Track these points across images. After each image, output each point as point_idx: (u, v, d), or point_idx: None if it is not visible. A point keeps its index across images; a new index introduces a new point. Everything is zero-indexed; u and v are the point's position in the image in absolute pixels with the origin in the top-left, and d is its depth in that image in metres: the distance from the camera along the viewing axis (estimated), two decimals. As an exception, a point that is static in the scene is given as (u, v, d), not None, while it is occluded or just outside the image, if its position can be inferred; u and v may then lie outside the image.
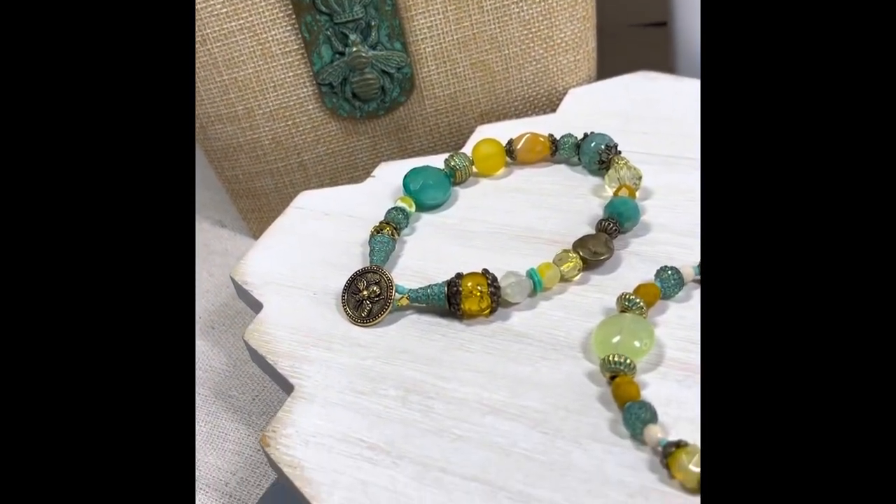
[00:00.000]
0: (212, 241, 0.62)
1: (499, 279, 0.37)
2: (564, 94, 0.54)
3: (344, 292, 0.39)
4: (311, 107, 0.52)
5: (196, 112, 0.53)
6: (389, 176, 0.49)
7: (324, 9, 0.47)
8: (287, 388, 0.37)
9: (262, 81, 0.50)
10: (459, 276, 0.37)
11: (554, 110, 0.54)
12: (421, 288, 0.38)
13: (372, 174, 0.49)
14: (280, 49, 0.49)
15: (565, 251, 0.38)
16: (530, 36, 0.51)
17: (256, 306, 0.41)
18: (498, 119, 0.54)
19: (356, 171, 0.56)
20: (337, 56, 0.49)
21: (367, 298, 0.38)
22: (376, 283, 0.38)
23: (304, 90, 0.51)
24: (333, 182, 0.56)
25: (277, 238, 0.45)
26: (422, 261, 0.42)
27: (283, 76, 0.50)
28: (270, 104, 0.51)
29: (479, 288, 0.36)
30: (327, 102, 0.51)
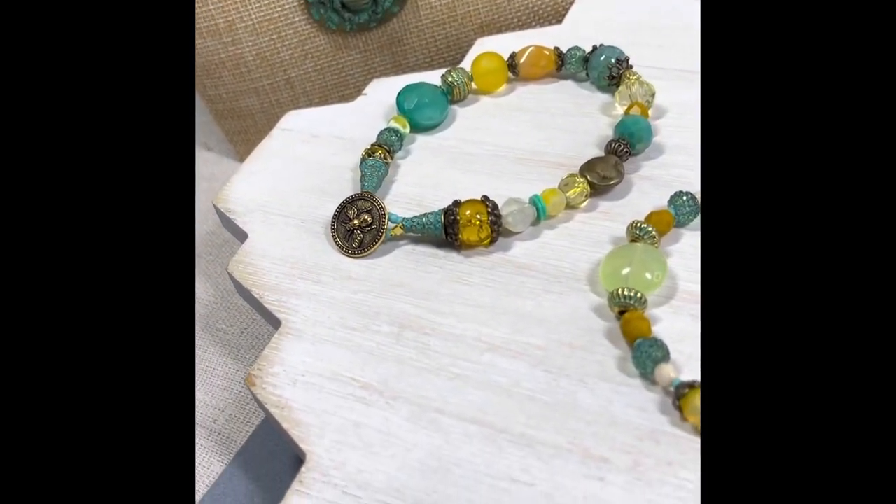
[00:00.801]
0: (197, 165, 0.59)
1: (499, 206, 0.35)
2: (572, 2, 0.50)
3: (333, 221, 0.37)
4: (297, 19, 0.48)
5: (172, 25, 0.49)
6: (382, 94, 0.46)
7: None
8: (274, 323, 0.35)
9: (243, -10, 0.47)
10: (457, 203, 0.35)
11: (560, 21, 0.51)
12: (416, 216, 0.35)
13: (363, 92, 0.46)
14: (261, -47, 0.45)
15: (571, 175, 0.36)
16: (535, -63, 0.47)
17: (241, 235, 0.39)
18: (499, 31, 0.51)
19: (347, 89, 0.52)
20: (323, -39, 0.45)
21: (358, 228, 0.36)
22: (368, 212, 0.36)
23: (290, 1, 0.47)
24: (323, 101, 0.53)
25: (262, 162, 0.43)
26: (417, 187, 0.39)
27: (265, -16, 0.47)
28: (253, 16, 0.48)
29: (478, 216, 0.34)
30: (314, 14, 0.47)
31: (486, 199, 0.35)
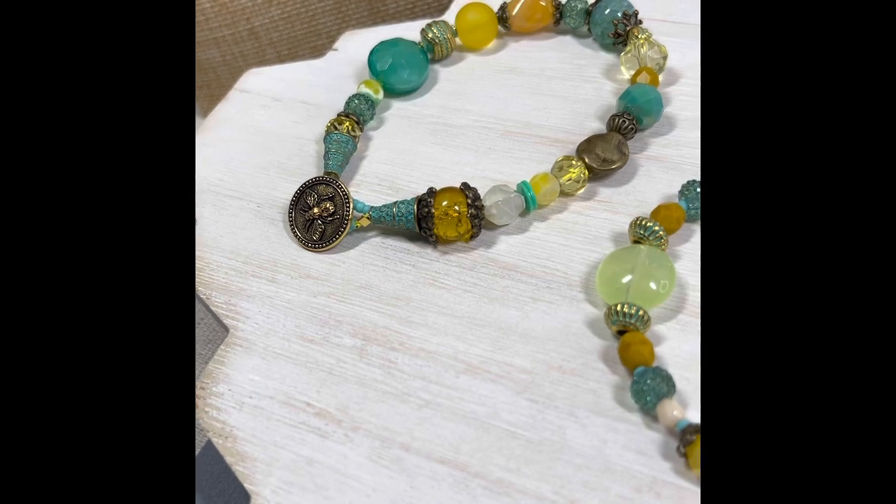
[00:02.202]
0: (158, 121, 0.54)
1: (482, 196, 0.30)
2: (575, -61, 0.44)
3: (291, 209, 0.32)
4: (257, -41, 0.43)
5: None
6: (355, 48, 0.41)
7: None
8: (221, 328, 0.31)
9: (193, -74, 0.41)
10: (432, 192, 0.30)
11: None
12: (385, 206, 0.31)
13: (333, 46, 0.41)
14: None
15: (567, 158, 0.31)
16: None
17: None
18: (491, -27, 0.45)
19: (319, 39, 0.47)
20: None
21: (318, 217, 0.32)
22: (330, 199, 0.32)
23: (247, -63, 0.42)
24: (292, 52, 0.48)
25: (216, 132, 0.38)
26: (389, 164, 0.34)
27: (218, -81, 0.41)
28: (206, -44, 0.42)
29: (455, 208, 0.30)
30: (277, -47, 0.42)
31: (465, 187, 0.30)
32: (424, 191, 0.33)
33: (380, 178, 0.34)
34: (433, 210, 0.30)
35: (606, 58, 0.37)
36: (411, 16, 0.46)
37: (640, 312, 0.26)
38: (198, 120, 0.54)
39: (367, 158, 0.35)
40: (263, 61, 0.47)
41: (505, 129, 0.35)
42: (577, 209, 0.31)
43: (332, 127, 0.34)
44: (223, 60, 0.48)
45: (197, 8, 0.45)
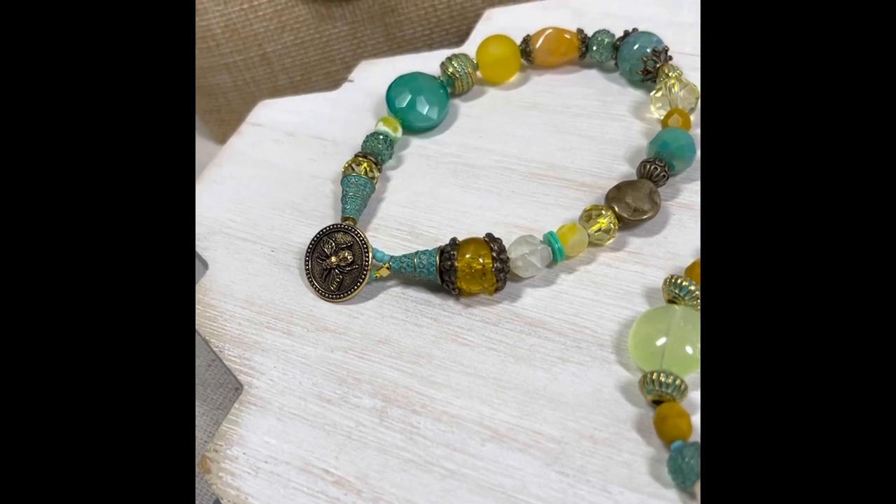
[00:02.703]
0: (166, 144, 0.53)
1: (507, 248, 0.29)
2: (599, -36, 0.43)
3: (307, 257, 0.31)
4: (270, -15, 0.41)
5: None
6: (371, 79, 0.40)
7: None
8: (235, 384, 0.30)
9: (205, -48, 0.40)
10: (455, 243, 0.29)
11: (584, -12, 0.44)
12: (406, 256, 0.30)
13: (349, 77, 0.40)
14: None
15: (595, 207, 0.30)
16: None
17: (201, 262, 0.34)
18: (512, -1, 0.44)
19: (333, 66, 0.46)
20: (299, -82, 0.38)
21: (336, 267, 0.30)
22: (348, 247, 0.31)
23: (260, -37, 0.40)
24: (305, 78, 0.46)
25: (228, 168, 0.37)
26: (409, 207, 0.33)
27: (230, -55, 0.40)
28: (218, -18, 0.41)
29: (480, 261, 0.28)
30: (291, -20, 0.41)
31: (490, 238, 0.29)
32: (446, 237, 0.32)
33: (399, 223, 0.33)
34: (456, 263, 0.29)
35: (634, 94, 0.36)
36: (428, 42, 0.45)
37: (678, 382, 0.25)
38: (208, 144, 0.53)
39: (385, 201, 0.34)
40: (276, 87, 0.46)
41: (529, 170, 0.34)
42: (606, 260, 0.30)
43: (350, 168, 0.33)
44: (234, 86, 0.47)
45: (207, 34, 0.43)
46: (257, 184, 0.36)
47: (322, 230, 0.31)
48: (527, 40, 0.37)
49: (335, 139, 0.37)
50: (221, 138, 0.52)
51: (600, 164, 0.33)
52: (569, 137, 0.34)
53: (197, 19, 0.43)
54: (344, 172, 0.33)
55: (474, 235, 0.32)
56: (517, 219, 0.32)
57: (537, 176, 0.33)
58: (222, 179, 0.36)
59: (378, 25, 0.44)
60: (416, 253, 0.30)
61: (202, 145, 0.53)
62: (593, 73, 0.37)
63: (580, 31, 0.36)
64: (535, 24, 0.40)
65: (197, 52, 0.45)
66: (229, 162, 0.37)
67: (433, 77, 0.36)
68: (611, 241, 0.30)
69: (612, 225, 0.30)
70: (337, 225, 0.31)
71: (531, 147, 0.34)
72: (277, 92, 0.47)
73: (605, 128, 0.35)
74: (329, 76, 0.46)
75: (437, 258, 0.29)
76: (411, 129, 0.36)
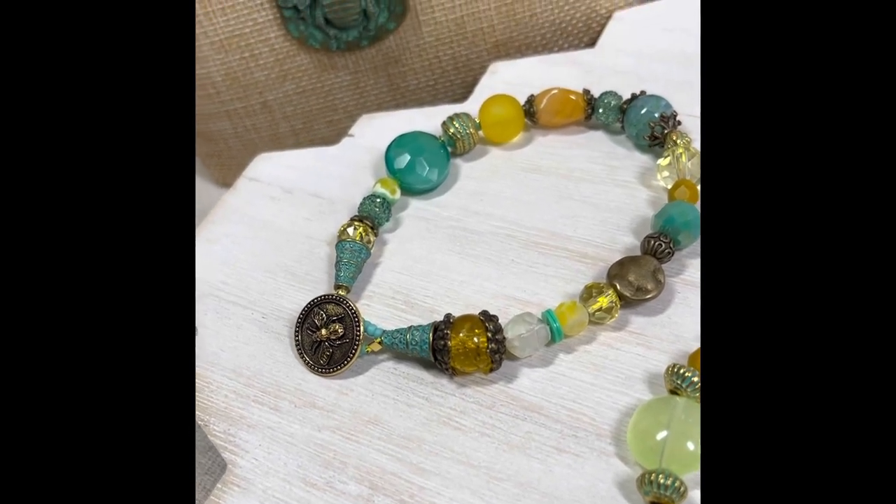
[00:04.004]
0: (167, 186, 0.52)
1: (503, 326, 0.28)
2: (608, 18, 0.42)
3: (297, 329, 0.30)
4: (272, 35, 0.41)
5: (125, 38, 0.42)
6: (372, 133, 0.39)
7: None
8: (218, 461, 0.29)
9: (206, 3, 0.39)
10: (449, 321, 0.28)
11: (593, 43, 0.43)
12: (398, 331, 0.29)
13: (350, 132, 0.39)
14: (225, -41, 0.38)
15: (596, 285, 0.29)
16: (565, -58, 0.39)
17: (191, 327, 0.33)
18: (518, 50, 0.43)
19: (335, 114, 0.45)
20: (301, -30, 0.38)
21: (326, 340, 0.29)
22: (339, 320, 0.30)
23: (263, 14, 0.40)
24: (307, 126, 0.46)
25: (223, 226, 0.36)
26: (405, 274, 0.32)
27: (232, -5, 0.39)
28: (219, 31, 0.41)
29: (474, 339, 0.27)
30: (293, 30, 0.40)
31: (486, 317, 0.28)
32: (441, 308, 0.31)
33: (394, 290, 0.32)
34: (450, 342, 0.28)
35: (641, 159, 0.35)
36: (433, 92, 0.44)
37: (677, 483, 0.24)
38: (209, 187, 0.52)
39: (381, 266, 0.33)
40: (277, 134, 0.46)
41: (529, 238, 0.33)
42: (607, 340, 0.29)
43: (345, 233, 0.32)
44: (234, 132, 0.46)
45: (207, 81, 0.43)
46: (251, 244, 0.35)
47: (313, 300, 0.30)
48: (531, 100, 0.36)
49: (332, 197, 0.36)
50: (222, 181, 0.51)
51: (603, 234, 0.32)
52: (572, 204, 0.34)
53: (197, 67, 0.42)
54: (339, 237, 0.32)
55: (471, 307, 0.31)
56: (516, 290, 0.31)
57: (538, 245, 0.32)
58: (216, 238, 0.36)
59: (381, 76, 0.43)
60: (410, 328, 0.29)
61: (203, 187, 0.52)
62: (599, 135, 0.36)
63: (586, 91, 0.36)
64: (540, 78, 0.39)
65: (197, 98, 0.44)
66: (224, 220, 0.36)
67: (434, 137, 0.36)
68: (612, 320, 0.29)
69: (613, 304, 0.29)
70: (328, 296, 0.30)
71: (533, 213, 0.34)
72: (278, 139, 0.46)
73: (609, 194, 0.34)
74: (331, 124, 0.46)
75: (431, 335, 0.28)
76: (410, 191, 0.35)
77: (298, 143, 0.47)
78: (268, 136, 0.46)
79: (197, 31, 0.41)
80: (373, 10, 0.39)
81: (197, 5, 0.40)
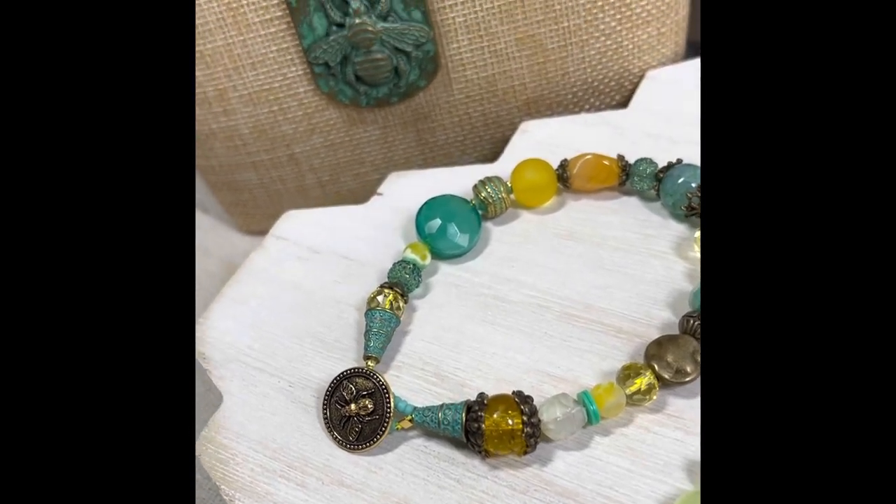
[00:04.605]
0: (190, 232, 0.52)
1: (538, 408, 0.27)
2: (641, 77, 0.42)
3: (325, 403, 0.30)
4: (301, 90, 0.41)
5: (155, 90, 0.42)
6: (401, 192, 0.39)
7: (314, -34, 0.35)
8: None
9: (237, 57, 0.39)
10: (483, 402, 0.27)
11: (625, 102, 0.43)
12: (430, 409, 0.28)
13: (378, 190, 0.39)
14: (258, 17, 0.38)
15: (634, 366, 0.28)
16: (599, 3, 0.38)
17: (215, 392, 0.33)
18: (549, 108, 0.43)
19: (362, 167, 0.45)
20: (334, 28, 0.38)
21: (355, 415, 0.29)
22: (369, 395, 0.29)
23: (293, 69, 0.40)
24: (333, 178, 0.45)
25: (249, 286, 0.36)
26: (435, 344, 0.32)
27: (263, 51, 0.39)
28: (249, 86, 0.41)
29: (509, 421, 0.27)
30: (322, 86, 0.40)
31: (521, 399, 0.27)
32: (472, 382, 0.30)
33: (424, 361, 0.31)
34: (483, 424, 0.27)
35: (677, 228, 0.34)
36: (461, 147, 0.44)
37: (722, 588, 0.23)
38: (233, 235, 0.52)
39: (410, 334, 0.32)
40: (303, 186, 0.46)
41: (563, 309, 0.32)
42: (644, 423, 0.28)
43: (375, 301, 0.32)
44: (260, 183, 0.46)
45: (235, 133, 0.43)
46: (279, 306, 0.34)
47: (342, 373, 0.30)
48: (564, 165, 0.35)
49: (361, 259, 0.36)
50: (246, 228, 0.51)
51: (639, 309, 0.31)
52: (606, 275, 0.33)
53: (224, 119, 0.42)
54: (368, 304, 0.32)
55: (503, 381, 0.30)
56: (549, 366, 0.30)
57: (572, 316, 0.32)
58: (243, 299, 0.35)
59: (410, 130, 0.43)
60: (441, 406, 0.28)
61: (226, 235, 0.52)
62: (633, 201, 0.36)
63: (620, 157, 0.35)
64: (572, 139, 0.39)
65: (224, 150, 0.44)
66: (251, 280, 0.36)
67: (465, 200, 0.35)
68: (650, 402, 0.28)
69: (651, 385, 0.28)
70: (358, 369, 0.30)
71: (566, 282, 0.33)
72: (304, 190, 0.46)
73: (645, 265, 0.33)
74: (358, 177, 0.45)
75: (464, 415, 0.27)
76: (441, 256, 0.35)
77: (324, 195, 0.47)
78: (294, 187, 0.46)
79: (225, 84, 0.41)
80: (404, 68, 0.39)
81: (226, 59, 0.39)
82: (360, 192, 0.47)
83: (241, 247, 0.51)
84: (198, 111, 0.42)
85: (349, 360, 0.32)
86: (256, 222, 0.50)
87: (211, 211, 0.54)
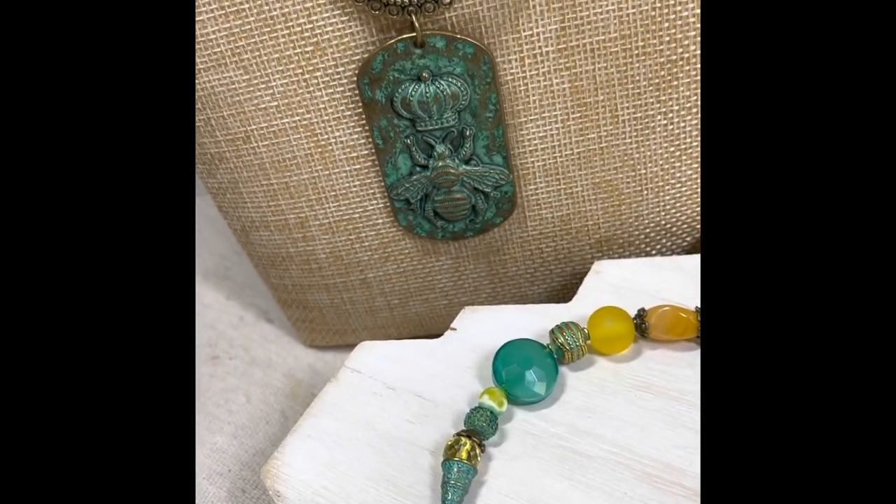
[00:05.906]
0: (253, 342, 0.53)
1: (624, 584, 0.27)
2: (713, 221, 0.43)
3: (404, 559, 0.30)
4: (380, 221, 0.42)
5: (238, 214, 0.44)
6: (474, 328, 0.39)
7: (404, 113, 0.37)
8: None
9: (321, 190, 0.41)
10: (568, 574, 0.27)
11: (697, 244, 0.43)
12: (511, 575, 0.28)
13: (452, 326, 0.40)
14: (344, 154, 0.39)
15: (722, 543, 0.28)
16: (677, 153, 0.39)
17: (289, 533, 0.33)
18: (621, 247, 0.43)
19: (432, 293, 0.46)
20: (417, 169, 0.39)
21: (434, 575, 0.29)
22: (449, 556, 0.29)
23: (373, 202, 0.41)
24: (402, 303, 0.46)
25: (324, 421, 0.36)
26: (512, 498, 0.32)
27: (346, 185, 0.41)
28: (330, 215, 0.42)
29: None
30: (401, 220, 0.41)
31: (606, 573, 0.27)
32: (552, 544, 0.30)
33: (501, 517, 0.31)
34: None
35: (756, 387, 0.34)
36: (531, 279, 0.45)
37: None
38: (296, 345, 0.52)
39: (486, 485, 0.32)
40: (372, 307, 0.46)
41: (643, 469, 0.32)
42: None
43: (452, 450, 0.32)
44: (331, 303, 0.47)
45: (312, 258, 0.44)
46: (353, 445, 0.35)
47: (422, 530, 0.30)
48: (641, 315, 0.36)
49: (435, 399, 0.36)
50: (310, 342, 0.52)
51: (721, 474, 0.31)
52: (685, 434, 0.33)
53: (302, 245, 0.43)
54: (446, 453, 0.32)
55: (582, 544, 0.30)
56: (630, 531, 0.30)
57: (652, 477, 0.32)
58: (318, 435, 0.35)
59: (482, 262, 0.44)
60: (523, 573, 0.28)
61: (291, 348, 0.53)
62: (711, 354, 0.36)
63: (699, 310, 0.35)
64: (646, 283, 0.39)
65: (299, 272, 0.45)
66: (325, 415, 0.36)
67: (541, 346, 0.35)
68: (737, 582, 0.28)
69: (739, 564, 0.27)
70: (438, 526, 0.30)
71: (644, 439, 0.33)
72: (373, 312, 0.47)
73: (725, 426, 0.33)
74: (426, 302, 0.46)
75: (546, 586, 0.27)
76: (517, 402, 0.35)
77: (392, 317, 0.47)
78: (363, 308, 0.47)
79: (307, 213, 0.42)
80: (482, 207, 0.40)
81: (310, 190, 0.41)
82: (427, 315, 0.47)
83: (305, 360, 0.51)
84: (275, 235, 0.44)
85: (424, 509, 0.32)
86: (321, 338, 0.51)
87: (276, 321, 0.55)
